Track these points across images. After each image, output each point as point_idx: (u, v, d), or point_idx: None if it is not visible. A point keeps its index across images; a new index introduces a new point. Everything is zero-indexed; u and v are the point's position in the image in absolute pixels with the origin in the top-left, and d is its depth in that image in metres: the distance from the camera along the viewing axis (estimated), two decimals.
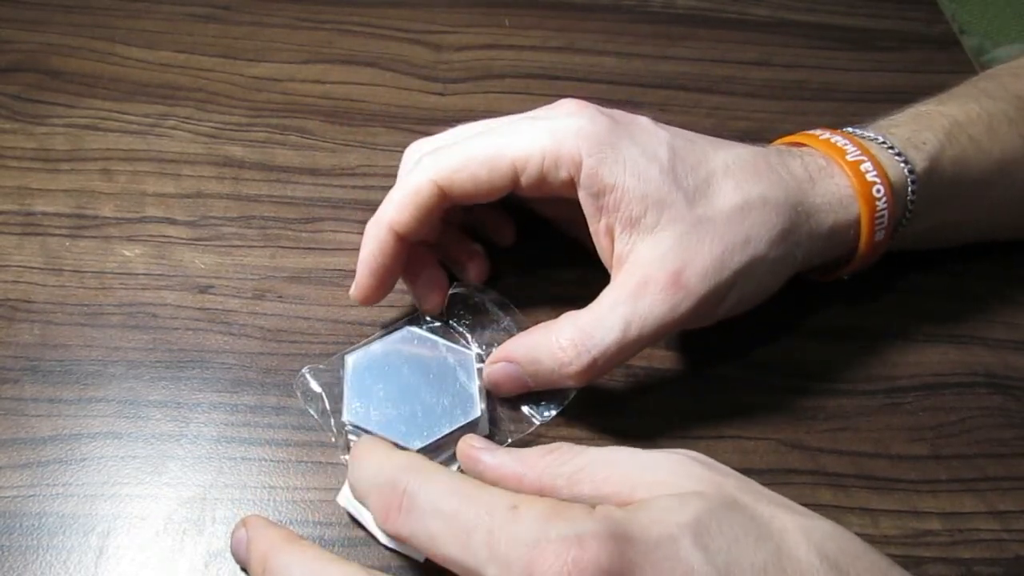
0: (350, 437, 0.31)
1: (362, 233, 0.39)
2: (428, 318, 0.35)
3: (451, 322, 0.35)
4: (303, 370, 0.32)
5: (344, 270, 0.38)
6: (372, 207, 0.40)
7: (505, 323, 0.34)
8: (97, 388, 0.33)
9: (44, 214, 0.39)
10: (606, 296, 0.31)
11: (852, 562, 0.24)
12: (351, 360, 0.32)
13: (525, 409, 0.33)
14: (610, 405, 0.34)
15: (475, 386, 0.32)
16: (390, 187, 0.41)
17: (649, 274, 0.31)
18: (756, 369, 0.36)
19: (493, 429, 0.33)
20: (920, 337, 0.37)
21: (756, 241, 0.31)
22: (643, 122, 0.33)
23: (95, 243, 0.38)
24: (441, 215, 0.33)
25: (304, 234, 0.39)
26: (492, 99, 0.46)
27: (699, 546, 0.23)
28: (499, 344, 0.33)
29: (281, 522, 0.30)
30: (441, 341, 0.34)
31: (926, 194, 0.34)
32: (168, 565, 0.29)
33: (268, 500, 0.31)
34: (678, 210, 0.31)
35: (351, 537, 0.30)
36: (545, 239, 0.39)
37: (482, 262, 0.37)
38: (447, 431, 0.31)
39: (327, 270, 0.38)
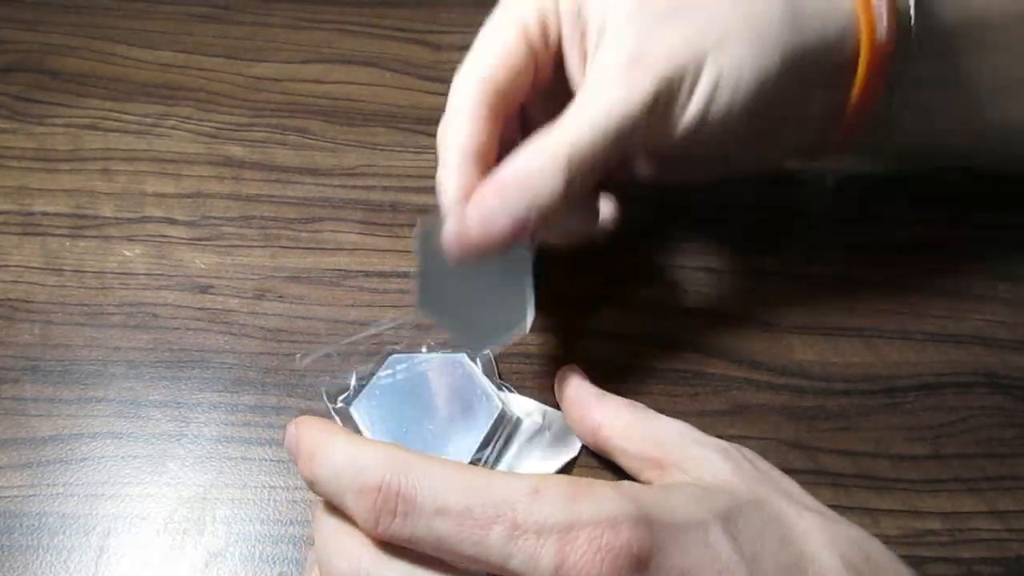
0: None
1: (363, 233, 0.39)
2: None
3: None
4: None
5: (344, 270, 0.38)
6: (372, 207, 0.40)
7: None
8: (97, 388, 0.33)
9: (44, 214, 0.39)
10: (566, 109, 0.29)
11: (875, 571, 0.24)
12: (361, 411, 0.32)
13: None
14: None
15: (483, 379, 0.32)
16: (390, 187, 0.41)
17: (606, 72, 0.28)
18: (756, 369, 0.36)
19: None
20: (920, 337, 0.37)
21: (730, 18, 0.28)
22: None
23: (95, 243, 0.38)
24: (531, 76, 0.31)
25: (304, 234, 0.39)
26: None
27: (728, 535, 0.23)
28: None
29: (281, 522, 0.30)
30: (430, 354, 0.33)
31: (928, 26, 0.30)
32: (168, 565, 0.29)
33: (268, 500, 0.31)
34: (643, 6, 0.29)
35: None
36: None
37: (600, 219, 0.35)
38: (484, 432, 0.31)
39: (327, 270, 0.38)
